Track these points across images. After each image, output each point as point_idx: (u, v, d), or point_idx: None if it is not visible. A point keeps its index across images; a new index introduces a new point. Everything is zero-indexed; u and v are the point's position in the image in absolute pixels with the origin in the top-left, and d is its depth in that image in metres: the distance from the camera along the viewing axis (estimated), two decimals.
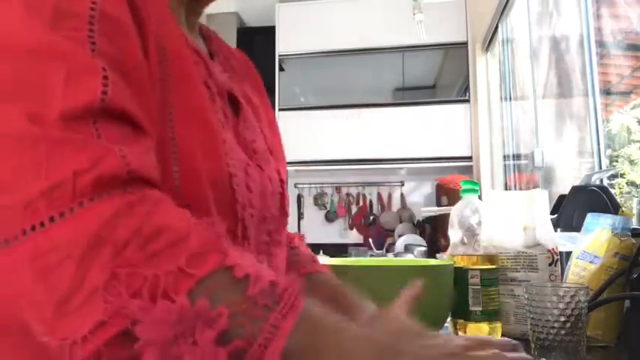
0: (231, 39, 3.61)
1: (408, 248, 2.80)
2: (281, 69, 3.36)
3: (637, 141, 1.68)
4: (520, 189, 2.39)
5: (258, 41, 3.76)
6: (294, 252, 0.71)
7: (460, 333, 0.76)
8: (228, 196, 0.48)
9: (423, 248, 2.74)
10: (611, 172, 1.50)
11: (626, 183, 1.68)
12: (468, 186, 0.83)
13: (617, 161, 1.68)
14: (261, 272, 0.36)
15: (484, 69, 2.90)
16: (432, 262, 0.91)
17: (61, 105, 0.34)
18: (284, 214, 0.62)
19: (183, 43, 0.47)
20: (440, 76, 3.67)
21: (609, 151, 1.63)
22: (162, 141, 0.42)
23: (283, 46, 3.33)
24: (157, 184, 0.39)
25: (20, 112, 0.33)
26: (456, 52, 3.17)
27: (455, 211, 0.83)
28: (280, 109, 3.27)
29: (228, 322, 0.32)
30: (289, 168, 3.30)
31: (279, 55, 3.33)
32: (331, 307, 0.43)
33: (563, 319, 0.60)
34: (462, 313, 0.76)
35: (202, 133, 0.45)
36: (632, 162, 1.67)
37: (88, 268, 0.31)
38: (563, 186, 1.77)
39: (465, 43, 3.09)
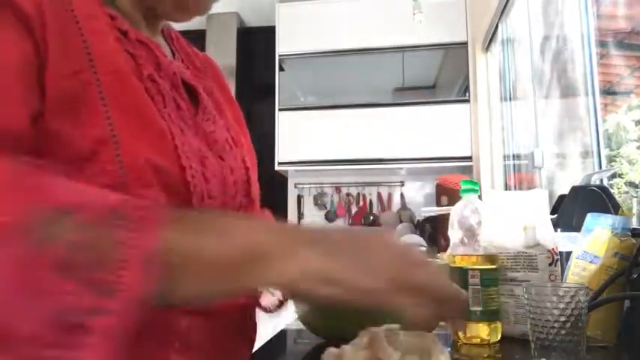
0: (231, 39, 3.61)
1: None
2: (281, 69, 3.36)
3: (634, 140, 1.68)
4: (520, 189, 2.39)
5: (258, 41, 3.76)
6: None
7: (459, 333, 0.76)
8: (182, 189, 0.48)
9: (423, 248, 2.74)
10: (611, 172, 1.50)
11: (625, 183, 1.68)
12: (468, 186, 0.83)
13: (615, 161, 1.68)
14: (109, 201, 0.33)
15: (484, 69, 2.90)
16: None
17: None
18: (251, 201, 0.61)
19: (110, 40, 0.47)
20: (440, 76, 3.67)
21: (607, 151, 1.64)
22: (101, 139, 0.42)
23: (283, 46, 3.33)
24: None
25: None
26: (455, 52, 3.17)
27: (455, 211, 0.83)
28: (280, 109, 3.27)
29: (65, 254, 0.29)
30: (289, 168, 3.31)
31: (279, 55, 3.33)
32: None
33: (563, 319, 0.60)
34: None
35: (144, 128, 0.45)
36: (630, 162, 1.67)
37: None
38: (564, 186, 1.77)
39: (465, 43, 3.09)
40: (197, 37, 2.69)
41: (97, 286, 0.28)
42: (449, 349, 0.73)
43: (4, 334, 0.27)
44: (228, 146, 0.60)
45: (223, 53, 3.51)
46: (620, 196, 1.64)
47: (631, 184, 1.66)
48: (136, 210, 0.32)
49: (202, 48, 3.55)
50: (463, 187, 0.83)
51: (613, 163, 1.65)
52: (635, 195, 1.63)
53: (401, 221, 3.37)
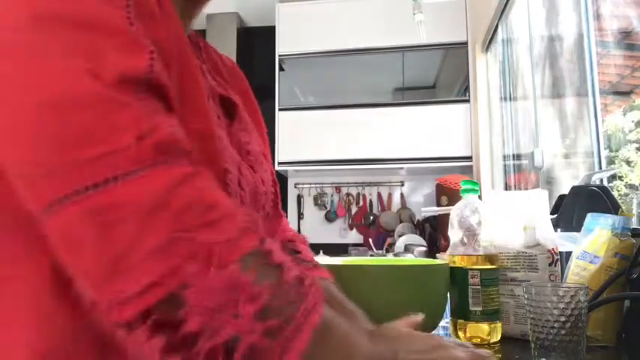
0: (231, 39, 3.62)
1: (408, 248, 2.80)
2: (281, 69, 3.36)
3: (633, 141, 1.68)
4: (520, 189, 2.39)
5: (258, 41, 3.76)
6: (297, 256, 0.72)
7: (460, 333, 0.76)
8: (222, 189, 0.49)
9: (423, 248, 2.74)
10: (611, 172, 1.50)
11: (625, 185, 1.68)
12: (468, 186, 0.83)
13: (614, 162, 1.68)
14: (289, 262, 0.37)
15: (484, 69, 2.90)
16: (426, 261, 0.91)
17: (115, 68, 0.35)
18: (278, 214, 0.63)
19: (186, 42, 0.48)
20: (440, 76, 3.67)
21: (606, 153, 1.63)
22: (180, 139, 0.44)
23: (283, 46, 3.33)
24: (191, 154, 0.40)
25: (81, 67, 0.34)
26: (455, 52, 3.17)
27: (455, 211, 0.83)
28: (280, 109, 3.27)
29: (268, 299, 0.33)
30: (289, 168, 3.30)
31: (279, 55, 3.33)
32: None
33: (563, 319, 0.60)
34: (461, 313, 0.76)
35: (201, 128, 0.46)
36: (629, 163, 1.67)
37: (148, 230, 0.32)
38: (565, 186, 1.77)
39: (465, 43, 3.09)
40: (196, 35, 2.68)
41: (274, 336, 0.33)
42: None
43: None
44: (261, 158, 0.61)
45: (223, 53, 3.50)
46: (620, 199, 1.63)
47: (631, 187, 1.66)
48: (316, 291, 0.37)
49: None
50: (463, 187, 0.83)
51: (612, 165, 1.65)
52: (635, 196, 1.63)
53: (401, 221, 3.37)
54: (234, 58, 3.53)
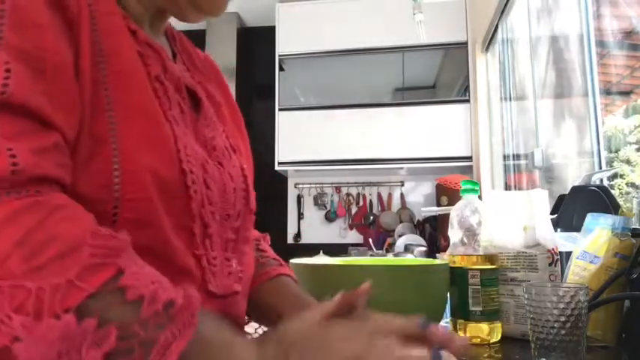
0: (231, 39, 3.61)
1: (408, 248, 2.80)
2: (281, 69, 3.36)
3: (633, 143, 1.68)
4: (520, 189, 2.39)
5: (258, 41, 3.76)
6: (261, 254, 0.71)
7: (460, 333, 0.76)
8: (181, 194, 0.47)
9: (423, 248, 2.74)
10: (611, 172, 1.50)
11: (626, 184, 1.68)
12: (468, 186, 0.83)
13: (614, 163, 1.68)
14: (157, 291, 0.34)
15: (484, 69, 2.90)
16: (426, 261, 0.91)
17: None
18: (249, 210, 0.61)
19: (124, 39, 0.46)
20: (440, 76, 3.67)
21: (606, 153, 1.63)
22: (101, 140, 0.41)
23: (283, 46, 3.33)
24: (61, 182, 0.37)
25: None
26: (455, 52, 3.17)
27: (455, 211, 0.83)
28: (280, 109, 3.27)
29: (116, 343, 0.31)
30: (289, 168, 3.29)
31: (279, 55, 3.33)
32: (292, 309, 0.58)
33: (563, 319, 0.60)
34: (461, 312, 0.76)
35: (148, 129, 0.44)
36: (629, 163, 1.67)
37: None
38: (566, 185, 1.77)
39: (465, 43, 3.09)
40: (197, 37, 2.68)
41: None
42: None
43: None
44: (227, 153, 0.59)
45: (223, 53, 3.51)
46: (621, 197, 1.64)
47: (632, 185, 1.66)
48: (183, 316, 0.35)
49: (202, 48, 3.55)
50: (463, 187, 0.83)
51: (612, 165, 1.65)
52: (635, 196, 1.63)
53: (401, 221, 3.37)
54: (234, 58, 3.54)
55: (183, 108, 0.53)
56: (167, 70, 0.53)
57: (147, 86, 0.47)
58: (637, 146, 1.65)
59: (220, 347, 0.37)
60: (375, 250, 3.07)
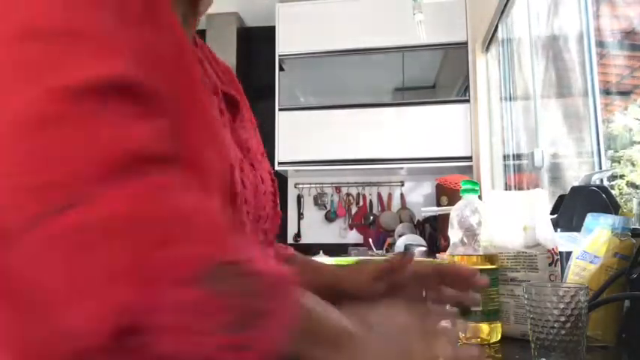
0: (231, 39, 3.61)
1: (408, 248, 2.80)
2: (281, 69, 3.36)
3: (638, 142, 1.68)
4: (520, 189, 2.39)
5: (258, 41, 3.76)
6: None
7: (460, 333, 0.76)
8: (229, 189, 0.48)
9: (423, 248, 2.74)
10: (611, 172, 1.50)
11: (626, 184, 1.68)
12: (468, 186, 0.83)
13: (619, 162, 1.68)
14: (266, 267, 0.36)
15: (484, 69, 2.90)
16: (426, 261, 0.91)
17: (80, 77, 0.32)
18: (277, 213, 0.62)
19: (186, 45, 0.47)
20: (440, 76, 3.67)
21: (611, 153, 1.63)
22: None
23: (283, 46, 3.33)
24: (176, 160, 0.37)
25: (43, 83, 0.32)
26: (455, 52, 3.17)
27: (455, 211, 0.83)
28: (280, 109, 3.27)
29: (228, 314, 0.32)
30: (289, 168, 3.29)
31: (279, 55, 3.33)
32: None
33: (563, 319, 0.60)
34: (461, 312, 0.76)
35: (205, 125, 0.45)
36: (633, 163, 1.67)
37: (110, 253, 0.30)
38: (568, 185, 1.77)
39: (465, 43, 3.09)
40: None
41: (248, 347, 0.33)
42: None
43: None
44: (260, 156, 0.61)
45: (223, 53, 3.49)
46: (621, 197, 1.64)
47: (632, 185, 1.67)
48: (290, 292, 0.37)
49: None
50: (463, 187, 0.83)
51: (616, 164, 1.65)
52: (635, 196, 1.63)
53: (401, 221, 3.37)
54: (234, 58, 3.54)
55: (222, 109, 0.55)
56: (206, 71, 0.54)
57: (203, 86, 0.48)
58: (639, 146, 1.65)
59: (322, 314, 0.40)
60: (375, 250, 3.07)
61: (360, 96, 3.39)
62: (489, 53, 2.84)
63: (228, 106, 0.58)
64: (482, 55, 2.88)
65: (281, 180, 3.53)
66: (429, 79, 3.76)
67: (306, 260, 0.72)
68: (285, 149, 3.19)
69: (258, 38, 3.77)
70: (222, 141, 0.48)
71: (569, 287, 0.62)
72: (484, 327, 0.74)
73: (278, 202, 0.63)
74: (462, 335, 0.75)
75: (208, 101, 0.48)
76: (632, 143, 1.69)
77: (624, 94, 1.77)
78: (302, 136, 3.19)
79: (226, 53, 3.51)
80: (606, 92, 1.70)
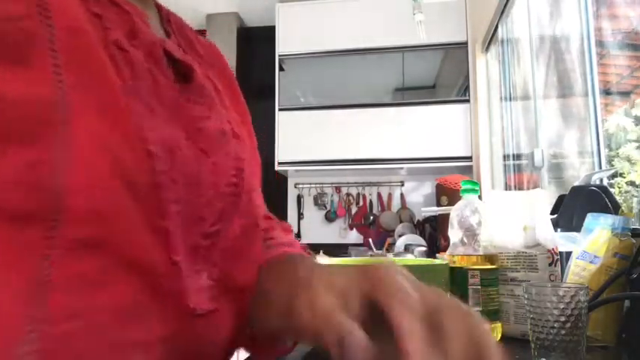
0: (231, 39, 3.62)
1: (408, 248, 2.80)
2: (281, 69, 3.36)
3: (633, 140, 1.68)
4: (520, 189, 2.39)
5: (258, 41, 3.76)
6: (269, 243, 0.57)
7: None
8: (148, 183, 0.37)
9: (423, 248, 2.74)
10: (611, 171, 1.50)
11: (626, 183, 1.68)
12: (468, 186, 0.83)
13: (614, 161, 1.68)
14: None
15: (484, 69, 2.90)
16: (425, 261, 0.91)
17: None
18: (240, 213, 0.48)
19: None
20: (440, 76, 3.67)
21: (607, 151, 1.63)
22: (50, 103, 0.32)
23: (283, 46, 3.33)
24: None
25: None
26: (455, 53, 3.18)
27: (454, 212, 0.83)
28: (280, 109, 3.27)
29: None
30: (289, 168, 3.28)
31: (279, 55, 3.33)
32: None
33: (563, 319, 0.60)
34: None
35: (103, 103, 0.36)
36: (630, 162, 1.67)
37: None
38: (569, 185, 1.77)
39: (465, 43, 3.09)
40: None
41: None
42: None
43: None
44: (222, 138, 0.47)
45: (223, 53, 3.50)
46: (621, 196, 1.64)
47: (632, 184, 1.67)
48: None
49: None
50: (463, 187, 0.83)
51: (613, 163, 1.65)
52: (636, 195, 1.63)
53: (401, 221, 3.37)
54: (234, 58, 3.54)
55: (158, 79, 0.43)
56: (137, 34, 0.43)
57: (99, 51, 0.37)
58: (637, 144, 1.65)
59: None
60: (375, 250, 3.07)
61: (360, 96, 3.39)
62: (489, 53, 2.84)
63: (180, 77, 0.47)
64: (482, 55, 2.88)
65: (281, 180, 3.53)
66: (429, 79, 3.76)
67: (285, 268, 0.48)
68: (285, 149, 3.19)
69: (258, 38, 3.77)
70: (130, 124, 0.36)
71: (569, 287, 0.62)
72: None
73: (243, 198, 0.48)
74: None
75: (109, 71, 0.37)
76: (627, 141, 1.69)
77: (624, 94, 1.77)
78: (302, 136, 3.19)
79: (226, 53, 3.50)
80: (606, 92, 1.70)
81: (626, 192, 1.67)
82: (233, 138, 0.49)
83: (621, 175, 1.67)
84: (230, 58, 3.54)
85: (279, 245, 0.57)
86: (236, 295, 0.47)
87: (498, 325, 0.76)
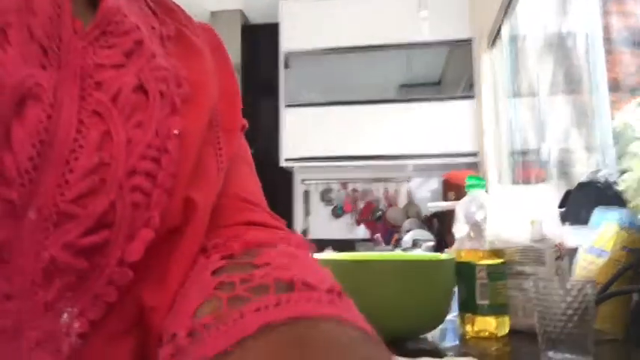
0: (235, 36, 3.63)
1: (416, 243, 2.81)
2: (286, 66, 3.36)
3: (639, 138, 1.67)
4: (528, 184, 2.38)
5: (262, 38, 3.77)
6: (240, 280, 0.30)
7: (468, 326, 0.76)
8: None
9: (431, 243, 2.74)
10: (617, 168, 1.49)
11: (634, 180, 1.68)
12: (473, 181, 0.84)
13: (622, 158, 1.67)
14: None
15: (489, 65, 2.89)
16: (432, 256, 0.92)
17: None
18: (151, 216, 0.31)
19: None
20: (445, 72, 3.66)
21: (616, 148, 1.63)
22: None
23: (288, 43, 3.33)
24: None
25: None
26: (460, 49, 3.17)
27: (460, 207, 0.84)
28: (286, 106, 3.27)
29: None
30: (295, 164, 3.27)
31: (284, 52, 3.34)
32: None
33: (570, 312, 0.60)
34: (469, 306, 0.76)
35: None
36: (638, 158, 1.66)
37: None
38: (576, 181, 1.76)
39: (470, 40, 3.08)
40: None
41: None
42: (457, 342, 0.74)
43: None
44: (142, 97, 0.33)
45: (228, 51, 3.51)
46: (629, 192, 1.63)
47: None
48: None
49: None
50: (468, 182, 0.84)
51: (620, 160, 1.64)
52: None
53: (408, 217, 3.37)
54: (238, 55, 3.55)
55: (63, 14, 0.31)
56: None
57: None
58: None
59: None
60: (383, 245, 3.08)
61: (365, 93, 3.39)
62: (494, 49, 2.83)
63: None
64: (488, 51, 2.87)
65: (287, 176, 3.54)
66: (434, 76, 3.75)
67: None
68: (291, 146, 3.20)
69: (262, 35, 3.77)
70: None
71: (576, 281, 0.62)
72: (492, 320, 0.75)
73: (156, 192, 0.31)
74: (470, 329, 0.76)
75: None
76: (634, 139, 1.68)
77: (632, 90, 1.76)
78: (308, 133, 3.19)
79: (230, 51, 3.46)
80: (614, 89, 1.69)
81: (635, 189, 1.66)
82: (161, 100, 0.34)
83: (629, 171, 1.66)
84: (234, 55, 3.55)
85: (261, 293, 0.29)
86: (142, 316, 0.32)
87: (506, 318, 0.76)
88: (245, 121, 0.47)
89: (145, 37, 0.36)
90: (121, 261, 0.29)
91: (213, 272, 0.31)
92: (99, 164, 0.29)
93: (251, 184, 0.45)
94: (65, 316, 0.27)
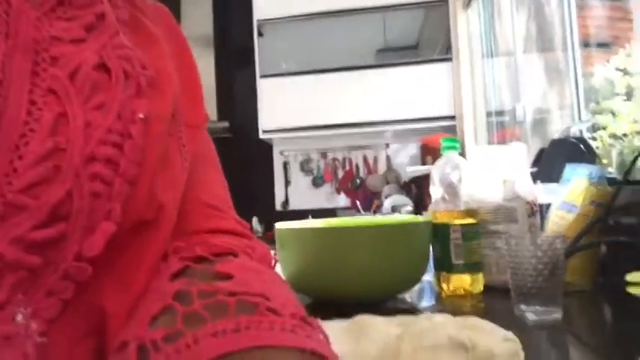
0: (207, 4, 3.52)
1: (395, 208, 2.84)
2: (260, 34, 3.29)
3: (619, 94, 1.69)
4: (504, 144, 2.41)
5: (234, 6, 3.66)
6: (204, 292, 0.29)
7: (444, 285, 0.78)
8: None
9: (410, 208, 2.78)
10: (589, 123, 1.52)
11: (609, 135, 1.71)
12: (448, 143, 0.84)
13: (600, 114, 1.70)
14: None
15: (465, 26, 2.87)
16: (408, 219, 0.93)
17: None
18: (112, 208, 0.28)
19: None
20: (422, 35, 3.62)
21: (592, 105, 1.65)
22: None
23: (261, 10, 3.25)
24: None
25: None
26: (437, 10, 3.13)
27: (435, 169, 0.84)
28: (261, 77, 3.22)
29: None
30: (273, 136, 3.23)
31: (257, 20, 3.26)
32: None
33: (540, 266, 0.62)
34: (445, 266, 0.78)
35: None
36: (613, 114, 1.69)
37: None
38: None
39: (446, 1, 3.05)
40: (171, 4, 2.66)
41: None
42: (433, 301, 0.76)
43: None
44: (104, 76, 0.30)
45: (199, 20, 3.42)
46: (604, 149, 1.66)
47: (614, 136, 1.69)
48: None
49: (177, 16, 3.46)
50: (443, 144, 0.84)
51: (598, 116, 1.66)
52: (616, 146, 1.66)
53: (387, 183, 3.40)
54: (210, 24, 3.45)
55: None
56: None
57: None
58: (625, 97, 1.67)
59: None
60: (363, 212, 3.10)
61: (342, 59, 3.34)
62: (470, 9, 2.80)
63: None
64: (463, 11, 2.84)
65: (266, 148, 3.51)
66: (411, 39, 3.71)
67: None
68: (268, 117, 3.16)
69: (234, 3, 3.67)
70: None
71: (546, 236, 0.64)
72: (466, 278, 0.77)
73: (118, 183, 0.29)
74: (445, 287, 0.78)
75: None
76: (614, 95, 1.70)
77: (604, 45, 1.77)
78: (284, 103, 3.15)
79: (202, 20, 3.42)
80: (586, 44, 1.70)
81: (610, 145, 1.70)
82: (125, 81, 0.31)
83: (604, 128, 1.69)
84: (206, 25, 3.45)
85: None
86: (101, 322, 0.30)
87: (480, 275, 0.78)
88: (208, 116, 0.44)
89: (109, 10, 0.33)
90: (78, 255, 0.27)
91: (173, 275, 0.30)
92: (53, 150, 0.26)
93: (217, 187, 0.42)
94: (20, 317, 0.26)
